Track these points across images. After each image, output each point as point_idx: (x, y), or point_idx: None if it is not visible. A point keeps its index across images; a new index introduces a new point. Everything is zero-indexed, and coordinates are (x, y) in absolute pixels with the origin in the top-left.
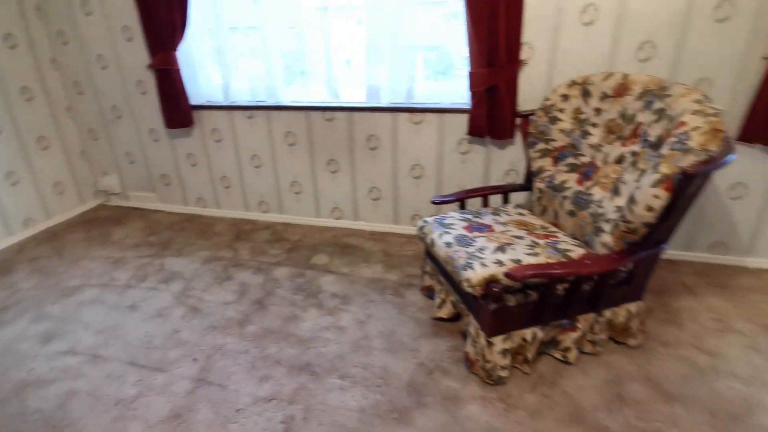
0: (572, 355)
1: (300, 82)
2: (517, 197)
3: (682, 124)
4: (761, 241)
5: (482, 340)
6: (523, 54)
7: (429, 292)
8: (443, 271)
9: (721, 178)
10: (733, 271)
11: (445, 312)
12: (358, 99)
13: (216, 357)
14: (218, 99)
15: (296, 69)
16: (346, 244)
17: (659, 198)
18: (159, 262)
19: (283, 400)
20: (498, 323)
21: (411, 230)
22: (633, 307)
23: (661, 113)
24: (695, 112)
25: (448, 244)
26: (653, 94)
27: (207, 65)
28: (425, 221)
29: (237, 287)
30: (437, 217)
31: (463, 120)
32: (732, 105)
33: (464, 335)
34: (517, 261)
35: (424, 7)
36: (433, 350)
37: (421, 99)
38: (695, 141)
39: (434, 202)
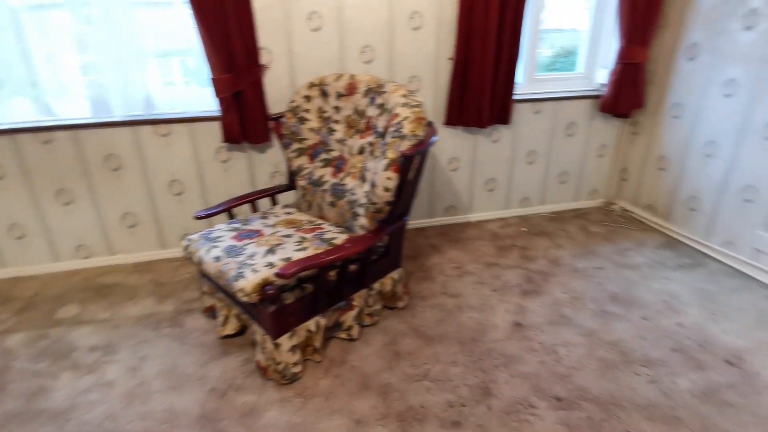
0: (355, 332)
1: None
2: (286, 197)
3: (396, 115)
4: (476, 199)
5: (269, 344)
6: (264, 58)
7: (212, 312)
8: (220, 287)
9: (441, 156)
10: (463, 227)
11: (230, 328)
12: (82, 113)
13: None
14: None
15: None
16: (102, 284)
17: (391, 179)
18: None
19: None
20: (280, 323)
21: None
22: (395, 274)
23: (382, 107)
24: (404, 105)
25: (217, 258)
26: (374, 91)
27: None
28: (189, 239)
29: None
30: (203, 232)
31: (217, 127)
32: (436, 97)
33: (254, 345)
34: (288, 259)
35: (168, 8)
36: (224, 371)
37: (172, 107)
38: (407, 128)
39: (198, 217)
